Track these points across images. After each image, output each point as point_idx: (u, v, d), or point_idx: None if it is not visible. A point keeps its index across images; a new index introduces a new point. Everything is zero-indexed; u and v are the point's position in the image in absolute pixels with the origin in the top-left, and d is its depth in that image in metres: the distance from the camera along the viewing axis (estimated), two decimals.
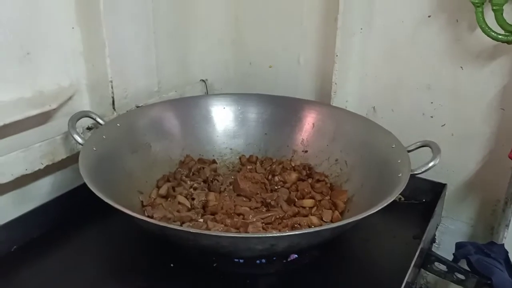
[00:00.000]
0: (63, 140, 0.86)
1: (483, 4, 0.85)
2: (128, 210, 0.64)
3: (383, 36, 1.01)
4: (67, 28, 0.87)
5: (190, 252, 0.77)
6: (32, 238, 0.80)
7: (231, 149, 1.04)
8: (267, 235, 0.68)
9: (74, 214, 0.85)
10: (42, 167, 0.82)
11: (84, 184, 0.69)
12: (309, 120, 1.01)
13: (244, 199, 0.88)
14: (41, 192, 0.87)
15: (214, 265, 0.75)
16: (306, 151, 1.01)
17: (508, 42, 0.85)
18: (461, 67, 0.95)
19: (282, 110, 1.04)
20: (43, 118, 0.85)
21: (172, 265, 0.75)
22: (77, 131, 0.82)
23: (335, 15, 1.00)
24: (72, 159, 0.86)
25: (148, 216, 0.80)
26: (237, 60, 1.20)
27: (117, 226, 0.83)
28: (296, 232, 0.69)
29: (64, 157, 0.86)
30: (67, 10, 0.86)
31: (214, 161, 1.01)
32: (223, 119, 1.04)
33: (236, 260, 0.75)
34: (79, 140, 0.81)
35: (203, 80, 1.21)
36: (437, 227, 0.99)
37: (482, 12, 0.86)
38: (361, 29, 1.03)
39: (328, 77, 1.06)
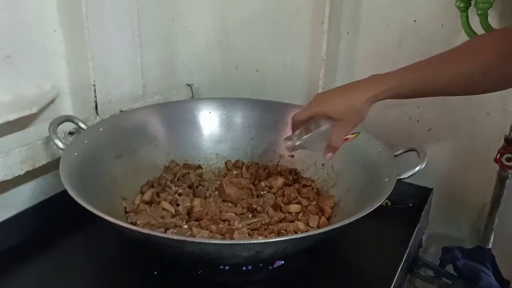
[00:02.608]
0: (44, 145, 0.84)
1: (468, 8, 0.86)
2: (111, 217, 0.63)
3: (370, 40, 1.01)
4: (49, 30, 0.86)
5: (174, 259, 0.75)
6: (11, 246, 0.78)
7: (217, 154, 1.03)
8: (252, 242, 0.67)
9: (55, 221, 0.83)
10: (22, 172, 0.80)
11: (66, 190, 0.67)
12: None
13: (229, 204, 0.86)
14: (21, 199, 0.85)
15: (199, 272, 0.73)
16: (292, 156, 1.00)
17: None
18: None
19: (269, 115, 1.03)
20: (24, 122, 0.83)
21: (156, 272, 0.74)
22: (58, 136, 0.81)
23: (322, 19, 0.99)
24: (53, 165, 0.84)
25: (131, 223, 0.78)
26: (224, 64, 1.20)
27: (100, 233, 0.81)
28: (282, 238, 0.68)
29: (45, 162, 0.84)
30: (49, 12, 0.85)
31: (199, 166, 0.99)
32: (209, 123, 1.03)
33: (221, 267, 0.73)
34: (60, 145, 0.79)
35: (188, 84, 1.20)
36: (423, 232, 0.99)
37: (467, 17, 0.86)
38: (348, 33, 1.03)
39: (315, 81, 1.06)
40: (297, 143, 0.79)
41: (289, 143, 0.79)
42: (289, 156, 1.00)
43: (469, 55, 0.68)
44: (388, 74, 0.72)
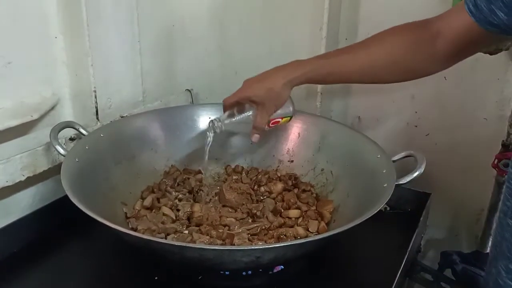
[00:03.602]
0: (45, 151, 0.84)
1: None
2: (111, 222, 0.63)
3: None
4: (49, 37, 0.86)
5: (175, 265, 0.75)
6: (12, 252, 0.78)
7: (216, 159, 1.03)
8: (253, 248, 0.68)
9: (56, 226, 0.84)
10: (23, 178, 0.81)
11: (67, 196, 0.67)
12: (295, 130, 1.01)
13: (229, 210, 0.87)
14: (21, 205, 0.85)
15: (200, 277, 0.74)
16: (291, 161, 1.01)
17: (490, 53, 0.86)
18: (445, 78, 0.96)
19: None
20: (24, 128, 0.84)
21: (156, 278, 0.74)
22: (59, 142, 0.81)
23: (320, 24, 1.00)
24: (54, 171, 0.85)
25: (132, 228, 0.79)
26: (223, 69, 1.20)
27: (100, 238, 0.82)
28: (282, 244, 0.68)
29: (45, 168, 0.84)
30: (50, 19, 0.85)
31: (199, 171, 0.99)
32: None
33: (221, 272, 0.74)
34: (61, 151, 0.80)
35: (188, 90, 1.21)
36: (422, 237, 0.99)
37: None
38: (346, 39, 1.03)
39: (314, 87, 1.06)
40: (225, 123, 0.85)
41: (217, 124, 0.85)
42: (288, 161, 1.01)
43: (375, 45, 0.73)
44: (305, 60, 0.78)
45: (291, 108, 0.85)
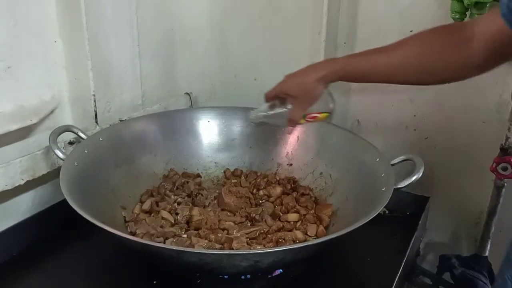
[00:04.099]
0: (44, 155, 0.84)
1: (463, 19, 0.87)
2: (110, 227, 0.63)
3: (367, 49, 1.02)
4: (49, 41, 0.87)
5: (173, 269, 0.75)
6: (11, 255, 0.78)
7: (215, 162, 1.03)
8: (252, 252, 0.68)
9: (55, 230, 0.84)
10: (22, 182, 0.81)
11: (66, 200, 0.67)
12: (294, 133, 1.01)
13: (228, 213, 0.87)
14: (21, 208, 0.85)
15: (198, 281, 0.74)
16: (290, 164, 1.01)
17: None
18: None
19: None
20: (24, 132, 0.84)
21: (155, 282, 0.74)
22: (59, 146, 0.81)
23: (319, 29, 1.00)
24: (53, 174, 0.85)
25: (131, 232, 0.79)
26: (222, 73, 1.20)
27: (99, 242, 0.82)
28: (281, 248, 0.68)
29: (45, 172, 0.85)
30: (49, 23, 0.86)
31: (198, 175, 1.00)
32: (207, 132, 1.04)
33: (220, 276, 0.74)
34: (61, 155, 0.80)
35: (187, 93, 1.21)
36: (421, 240, 0.99)
37: None
38: (345, 43, 1.04)
39: None
40: (262, 115, 0.87)
41: (254, 116, 0.89)
42: (287, 164, 1.01)
43: (409, 45, 0.73)
44: (339, 58, 0.80)
45: (330, 105, 0.85)
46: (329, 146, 0.97)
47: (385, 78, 0.77)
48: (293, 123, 0.85)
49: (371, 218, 0.68)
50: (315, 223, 0.85)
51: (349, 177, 0.89)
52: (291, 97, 0.82)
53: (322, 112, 0.85)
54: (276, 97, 0.85)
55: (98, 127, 0.93)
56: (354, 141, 0.93)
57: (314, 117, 0.85)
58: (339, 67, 0.78)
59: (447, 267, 0.93)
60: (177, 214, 0.85)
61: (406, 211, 0.96)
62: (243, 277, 0.74)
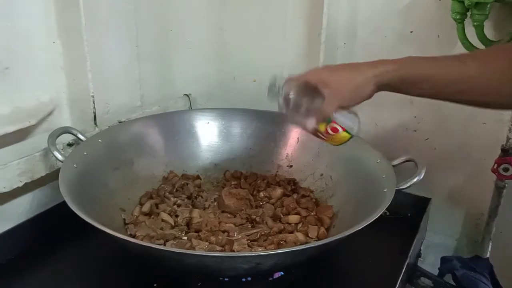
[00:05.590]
0: (43, 157, 0.83)
1: (464, 20, 0.87)
2: (109, 229, 0.63)
3: (366, 50, 1.02)
4: (47, 42, 0.86)
5: (174, 271, 0.75)
6: (9, 258, 0.77)
7: (215, 164, 1.03)
8: (253, 254, 0.67)
9: (53, 233, 0.83)
10: (20, 185, 0.80)
11: (64, 202, 0.67)
12: (294, 135, 1.01)
13: (228, 215, 0.86)
14: (18, 211, 0.84)
15: (199, 284, 0.73)
16: (291, 166, 1.00)
17: None
18: None
19: (266, 125, 1.03)
20: (22, 134, 0.83)
21: (155, 285, 0.73)
22: (57, 148, 0.81)
23: (319, 29, 1.00)
24: (52, 176, 0.84)
25: (131, 235, 0.78)
26: (221, 74, 1.20)
27: (98, 245, 0.81)
28: (282, 251, 0.68)
29: (43, 174, 0.84)
30: (47, 24, 0.85)
31: (198, 177, 0.99)
32: (207, 134, 1.03)
33: (221, 278, 0.73)
34: (59, 157, 0.79)
35: (186, 95, 1.21)
36: (422, 242, 0.99)
37: (463, 28, 0.87)
38: (345, 43, 1.03)
39: None
40: (292, 97, 0.70)
41: (274, 93, 0.72)
42: (287, 166, 1.00)
43: (493, 58, 0.63)
44: (397, 59, 0.68)
45: (355, 129, 0.71)
46: (329, 147, 0.95)
47: (454, 90, 0.65)
48: (322, 116, 0.68)
49: (373, 220, 0.67)
50: (316, 225, 0.84)
51: (350, 178, 0.89)
52: (327, 88, 0.66)
53: (346, 130, 0.70)
54: (302, 84, 0.69)
55: (97, 129, 0.93)
56: (354, 142, 0.92)
57: (335, 130, 0.70)
58: (399, 65, 0.65)
59: (448, 268, 0.93)
60: (177, 216, 0.84)
61: (407, 212, 0.95)
62: (243, 279, 0.73)
